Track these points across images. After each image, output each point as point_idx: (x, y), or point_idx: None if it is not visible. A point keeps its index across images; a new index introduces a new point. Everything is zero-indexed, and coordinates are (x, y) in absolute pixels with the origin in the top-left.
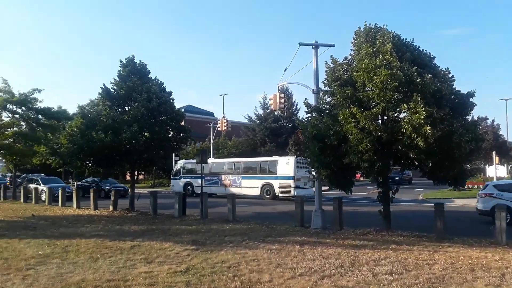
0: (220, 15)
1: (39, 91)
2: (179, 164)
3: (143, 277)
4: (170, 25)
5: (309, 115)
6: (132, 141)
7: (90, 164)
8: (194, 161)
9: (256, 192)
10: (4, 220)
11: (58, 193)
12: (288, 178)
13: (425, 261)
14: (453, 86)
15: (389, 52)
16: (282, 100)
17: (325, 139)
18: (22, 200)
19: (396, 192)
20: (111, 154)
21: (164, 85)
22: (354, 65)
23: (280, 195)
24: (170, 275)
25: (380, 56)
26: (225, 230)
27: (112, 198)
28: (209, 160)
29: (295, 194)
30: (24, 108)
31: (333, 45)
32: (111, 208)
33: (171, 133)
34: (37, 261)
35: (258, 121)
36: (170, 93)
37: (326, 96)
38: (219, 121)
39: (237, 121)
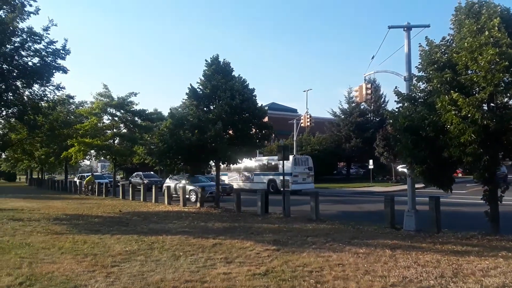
0: (301, 10)
1: (135, 94)
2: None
3: (221, 279)
4: (253, 27)
5: (400, 105)
6: (216, 139)
7: (178, 162)
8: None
9: (264, 186)
10: (102, 216)
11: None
12: (287, 174)
13: None
14: None
15: (496, 27)
16: (369, 92)
17: (419, 131)
18: (120, 197)
19: (506, 190)
20: (198, 152)
21: (247, 83)
22: (454, 45)
23: (281, 189)
24: (248, 278)
25: (486, 33)
26: (307, 229)
27: (199, 196)
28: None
29: (293, 188)
30: (122, 111)
31: (428, 26)
32: (198, 205)
33: (254, 130)
34: (123, 258)
35: (342, 116)
36: (253, 90)
37: (420, 83)
38: (302, 117)
39: (321, 116)
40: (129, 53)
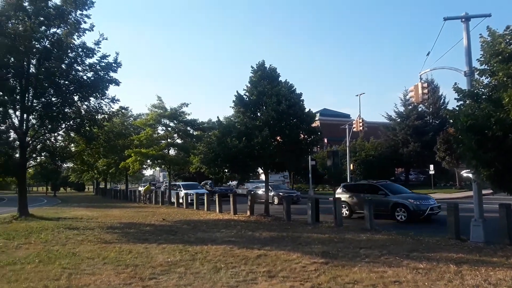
0: (350, 14)
1: (187, 105)
2: None
3: None
4: (304, 35)
5: (461, 102)
6: (263, 145)
7: (226, 170)
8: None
9: None
10: (153, 224)
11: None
12: None
13: None
14: None
15: None
16: (426, 91)
17: (484, 130)
18: (175, 205)
19: None
20: (245, 159)
21: (294, 88)
22: None
23: None
24: None
25: None
26: (361, 240)
27: (249, 203)
28: None
29: None
30: (175, 121)
31: (488, 15)
32: (248, 213)
33: (302, 135)
34: (163, 270)
35: (398, 120)
36: (300, 95)
37: (483, 77)
38: (354, 122)
39: (375, 121)
40: (181, 65)
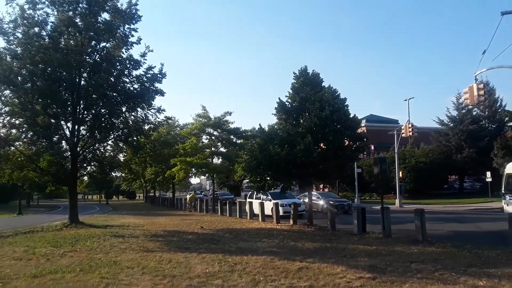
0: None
1: (230, 113)
2: None
3: None
4: (351, 41)
5: None
6: (306, 153)
7: (268, 178)
8: None
9: None
10: (196, 233)
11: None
12: None
13: None
14: None
15: None
16: (482, 93)
17: None
18: (219, 213)
19: None
20: (288, 167)
21: (337, 93)
22: None
23: None
24: None
25: None
26: (411, 253)
27: (292, 212)
28: None
29: None
30: (218, 130)
31: None
32: (291, 222)
33: (347, 142)
34: (200, 281)
35: (451, 124)
36: (344, 100)
37: None
38: (403, 127)
39: (425, 126)
40: (224, 73)
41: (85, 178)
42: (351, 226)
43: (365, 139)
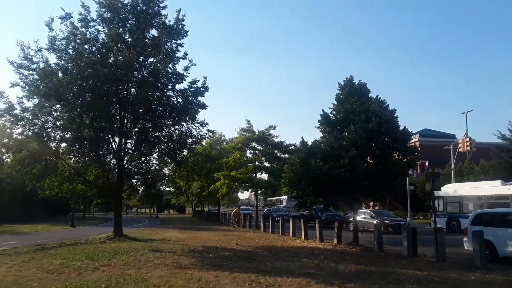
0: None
1: (274, 127)
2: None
3: None
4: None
5: None
6: (350, 167)
7: (310, 194)
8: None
9: None
10: (234, 250)
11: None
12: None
13: None
14: None
15: None
16: None
17: None
18: (262, 229)
19: None
20: (330, 183)
21: (386, 104)
22: None
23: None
24: None
25: None
26: (468, 281)
27: (336, 230)
28: None
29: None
30: (262, 144)
31: None
32: (335, 241)
33: (396, 156)
34: None
35: None
36: (393, 111)
37: None
38: (460, 141)
39: (485, 141)
40: (269, 86)
41: (128, 190)
42: (401, 248)
43: (416, 153)
